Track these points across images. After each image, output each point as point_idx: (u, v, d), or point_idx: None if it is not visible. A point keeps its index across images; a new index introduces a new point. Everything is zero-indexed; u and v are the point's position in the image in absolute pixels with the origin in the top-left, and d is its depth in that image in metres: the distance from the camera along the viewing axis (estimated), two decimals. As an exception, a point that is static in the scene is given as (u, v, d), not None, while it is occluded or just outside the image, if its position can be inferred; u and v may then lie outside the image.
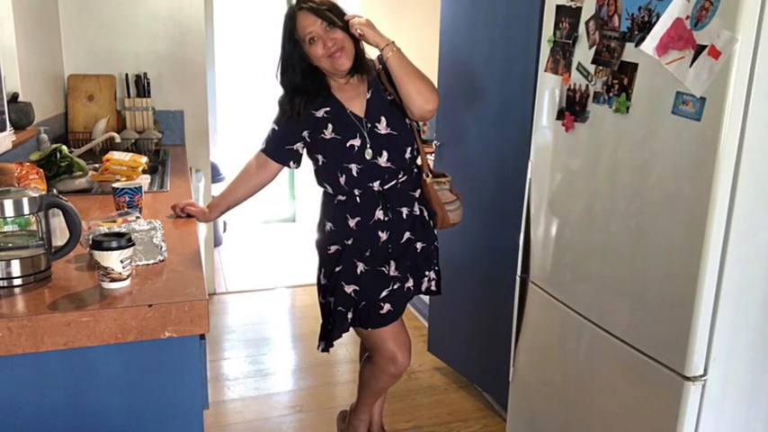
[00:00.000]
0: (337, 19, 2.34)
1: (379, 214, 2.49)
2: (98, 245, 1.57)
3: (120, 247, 1.58)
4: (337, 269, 2.52)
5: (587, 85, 2.21)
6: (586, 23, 2.20)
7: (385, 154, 2.44)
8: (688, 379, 1.88)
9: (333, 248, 2.54)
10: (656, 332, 1.98)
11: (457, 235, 3.37)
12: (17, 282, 1.58)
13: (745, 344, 1.91)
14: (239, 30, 6.63)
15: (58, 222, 1.72)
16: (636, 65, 1.98)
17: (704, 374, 1.88)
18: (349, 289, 2.50)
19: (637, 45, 1.95)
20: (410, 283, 2.58)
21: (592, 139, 2.22)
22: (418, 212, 2.57)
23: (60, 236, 1.70)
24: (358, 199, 2.48)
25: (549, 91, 2.45)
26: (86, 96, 4.16)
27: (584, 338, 2.31)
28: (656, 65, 1.89)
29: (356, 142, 2.44)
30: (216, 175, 5.53)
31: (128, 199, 2.35)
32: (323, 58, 2.35)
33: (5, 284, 1.57)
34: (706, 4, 1.72)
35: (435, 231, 2.68)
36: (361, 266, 2.50)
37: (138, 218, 2.05)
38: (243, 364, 3.91)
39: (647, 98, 1.96)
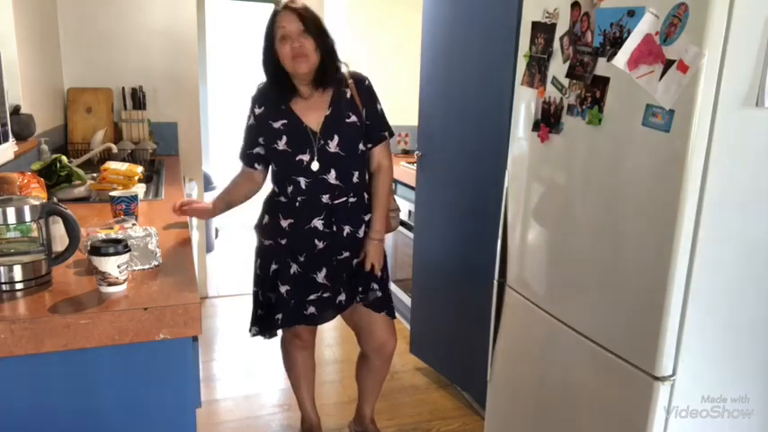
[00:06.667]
0: (316, 31, 2.34)
1: (318, 224, 2.47)
2: (96, 251, 1.57)
3: (116, 253, 1.58)
4: (273, 267, 2.55)
5: (561, 98, 2.20)
6: (561, 39, 2.20)
7: (333, 172, 2.44)
8: (657, 379, 1.87)
9: (267, 243, 2.57)
10: (628, 334, 1.97)
11: (438, 240, 3.36)
12: (19, 286, 1.58)
13: (713, 345, 1.90)
14: (231, 45, 6.62)
15: (58, 229, 1.71)
16: (608, 79, 1.97)
17: (673, 374, 1.87)
18: (283, 289, 2.52)
19: (609, 60, 1.94)
20: (342, 297, 2.57)
21: (566, 149, 2.21)
22: (362, 235, 2.57)
23: (60, 242, 1.69)
24: (297, 204, 2.48)
25: (525, 103, 2.44)
26: (85, 109, 4.13)
27: (558, 340, 2.29)
28: (627, 79, 1.88)
29: (305, 157, 2.43)
30: (208, 185, 5.51)
31: (124, 207, 2.34)
32: (287, 59, 2.34)
33: (8, 288, 1.57)
34: (675, 20, 1.72)
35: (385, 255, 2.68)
36: (294, 268, 2.52)
37: (134, 225, 2.03)
38: (233, 365, 3.88)
39: (618, 111, 1.95)
